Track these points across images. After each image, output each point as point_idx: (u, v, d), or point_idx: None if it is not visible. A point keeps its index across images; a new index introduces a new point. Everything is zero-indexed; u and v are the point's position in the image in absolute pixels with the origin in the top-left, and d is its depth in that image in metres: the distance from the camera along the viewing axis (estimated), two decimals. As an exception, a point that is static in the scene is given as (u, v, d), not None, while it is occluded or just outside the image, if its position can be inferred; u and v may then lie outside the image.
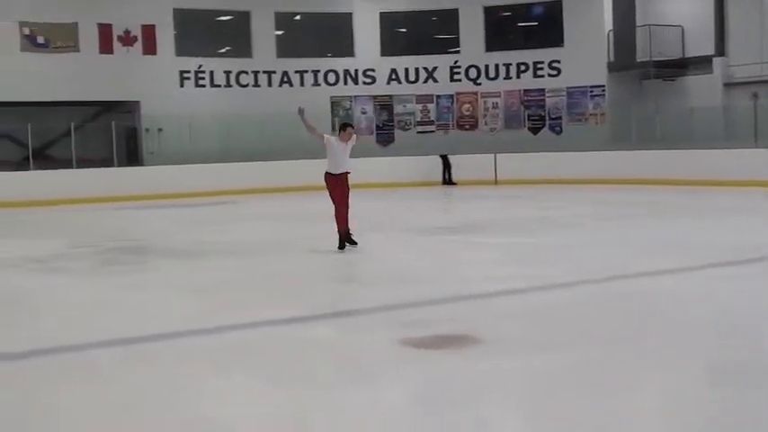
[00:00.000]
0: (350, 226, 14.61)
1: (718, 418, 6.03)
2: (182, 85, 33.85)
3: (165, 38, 33.50)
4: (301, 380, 7.07)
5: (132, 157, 32.90)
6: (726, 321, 8.97)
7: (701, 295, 10.43)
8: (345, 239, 14.50)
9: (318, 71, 35.72)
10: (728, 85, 33.20)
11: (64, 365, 7.93)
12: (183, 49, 33.85)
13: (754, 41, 32.53)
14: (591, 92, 34.60)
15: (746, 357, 7.48)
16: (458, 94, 35.99)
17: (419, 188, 30.64)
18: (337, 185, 14.54)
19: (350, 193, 14.67)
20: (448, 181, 32.49)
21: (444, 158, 32.63)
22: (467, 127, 35.85)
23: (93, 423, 6.21)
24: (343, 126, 14.99)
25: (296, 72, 35.43)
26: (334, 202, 14.54)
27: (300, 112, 14.70)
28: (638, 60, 34.58)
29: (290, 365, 7.56)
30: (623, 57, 34.71)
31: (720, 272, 11.98)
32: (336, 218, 14.48)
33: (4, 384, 7.32)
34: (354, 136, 14.88)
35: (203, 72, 34.28)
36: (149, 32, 33.13)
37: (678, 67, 34.58)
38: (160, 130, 32.31)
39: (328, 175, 14.59)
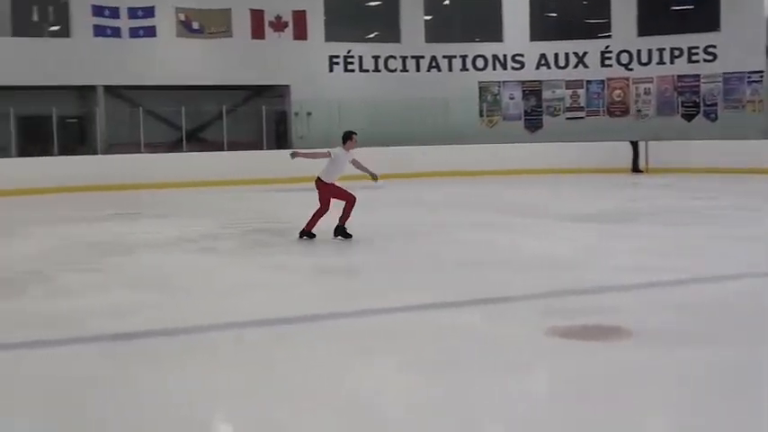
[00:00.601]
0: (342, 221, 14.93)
1: None
2: (331, 70, 34.16)
3: (316, 23, 33.83)
4: (442, 365, 7.04)
5: (281, 140, 33.39)
6: None
7: None
8: (341, 232, 14.87)
9: (467, 56, 35.59)
10: None
11: (210, 344, 8.07)
12: (332, 35, 34.15)
13: None
14: (748, 78, 33.58)
15: None
16: (609, 79, 35.40)
17: (570, 175, 30.21)
18: (329, 191, 14.88)
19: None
20: (635, 168, 31.51)
21: (634, 145, 31.71)
22: (617, 113, 35.24)
23: (237, 402, 6.29)
24: (349, 135, 15.14)
25: (444, 57, 35.37)
26: (322, 204, 14.84)
27: (292, 156, 15.20)
28: (800, 45, 33.39)
29: (432, 351, 7.53)
30: (783, 41, 33.55)
31: None
32: (316, 216, 14.88)
33: (156, 361, 7.47)
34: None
35: (352, 57, 34.53)
36: (300, 18, 33.49)
37: None
38: (309, 114, 32.69)
39: (321, 182, 14.80)
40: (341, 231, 14.75)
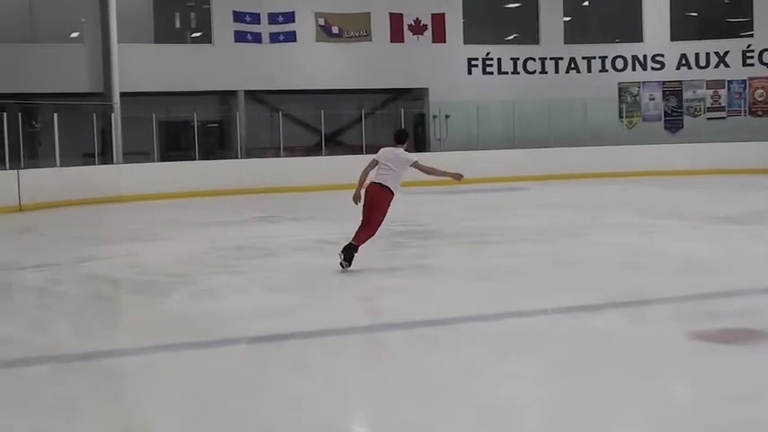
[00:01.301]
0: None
1: None
2: (469, 73, 34.31)
3: (454, 26, 34.04)
4: (582, 369, 7.06)
5: (420, 142, 33.62)
6: None
7: None
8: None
9: (606, 57, 35.35)
10: None
11: (349, 346, 8.27)
12: (471, 37, 34.30)
13: None
14: None
15: None
16: (750, 79, 34.72)
17: (714, 176, 29.67)
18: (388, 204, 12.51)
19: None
20: None
21: None
22: (759, 113, 34.55)
23: (377, 404, 6.44)
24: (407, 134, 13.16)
25: (583, 58, 35.20)
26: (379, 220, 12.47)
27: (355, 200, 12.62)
28: None
29: (572, 354, 7.55)
30: None
31: None
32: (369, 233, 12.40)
33: (296, 361, 7.64)
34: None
35: (491, 59, 34.61)
36: (439, 21, 33.75)
37: None
38: (447, 116, 32.87)
39: (387, 191, 12.37)
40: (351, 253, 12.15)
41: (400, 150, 12.42)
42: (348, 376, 7.17)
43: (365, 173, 12.47)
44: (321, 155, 31.09)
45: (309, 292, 10.89)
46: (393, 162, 12.23)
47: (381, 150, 12.55)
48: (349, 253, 12.01)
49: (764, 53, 34.59)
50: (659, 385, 6.69)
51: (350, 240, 12.19)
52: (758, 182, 27.03)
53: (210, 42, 32.15)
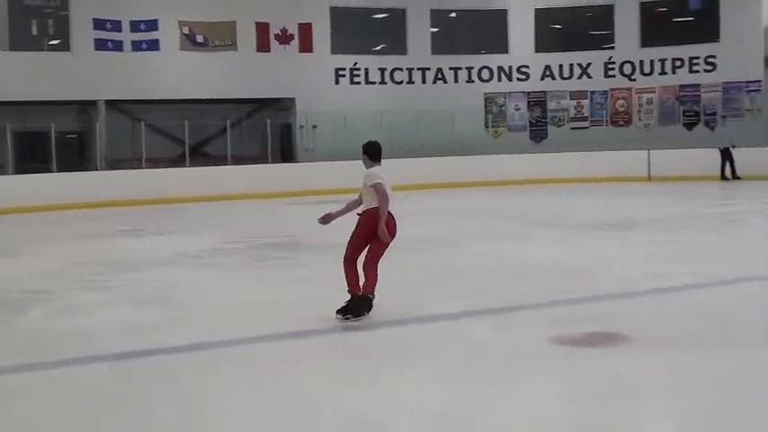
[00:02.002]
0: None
1: None
2: (337, 83, 34.21)
3: (322, 36, 33.89)
4: (451, 374, 7.12)
5: (287, 153, 33.39)
6: None
7: None
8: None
9: (472, 68, 35.66)
10: None
11: (215, 361, 8.09)
12: (338, 47, 34.20)
13: None
14: (747, 87, 33.75)
15: None
16: (612, 90, 35.49)
17: (577, 184, 30.15)
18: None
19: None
20: (732, 175, 30.03)
21: (726, 152, 30.21)
22: (620, 123, 35.32)
23: (246, 417, 6.33)
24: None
25: (450, 69, 35.43)
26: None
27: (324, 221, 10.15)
28: (797, 55, 33.57)
29: (442, 360, 7.61)
30: (779, 50, 33.71)
31: None
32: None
33: (161, 379, 7.49)
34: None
35: (358, 69, 34.57)
36: (306, 31, 33.57)
37: None
38: (315, 126, 32.67)
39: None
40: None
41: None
42: (217, 390, 7.02)
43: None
44: (185, 166, 30.53)
45: (175, 307, 10.66)
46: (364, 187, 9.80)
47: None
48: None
49: (625, 65, 35.36)
50: (523, 388, 6.80)
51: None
52: (622, 189, 27.55)
53: (69, 50, 31.29)
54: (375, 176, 9.76)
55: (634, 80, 35.35)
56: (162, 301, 11.01)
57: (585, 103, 35.61)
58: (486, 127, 35.40)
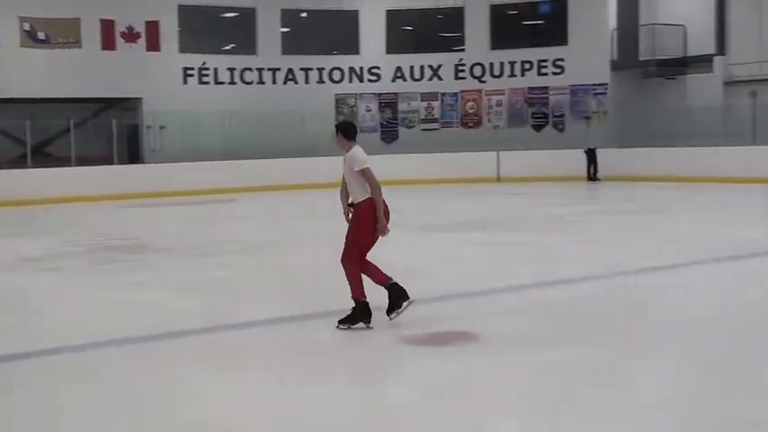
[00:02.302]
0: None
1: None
2: (185, 82, 33.62)
3: (169, 34, 33.27)
4: (300, 379, 7.01)
5: (133, 154, 32.71)
6: (728, 315, 9.08)
7: (704, 289, 10.68)
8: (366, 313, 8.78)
9: (323, 69, 35.51)
10: (728, 84, 33.33)
11: (59, 366, 7.86)
12: (186, 46, 33.64)
13: (754, 40, 32.85)
14: (594, 90, 34.45)
15: (740, 350, 7.64)
16: (462, 91, 35.80)
17: (428, 185, 30.28)
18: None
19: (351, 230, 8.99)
20: (593, 176, 30.84)
21: (591, 153, 31.01)
22: (470, 125, 35.67)
23: (84, 425, 6.14)
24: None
25: (301, 69, 35.20)
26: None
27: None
28: (641, 59, 34.46)
29: (286, 365, 7.52)
30: (626, 55, 34.57)
31: (722, 266, 12.32)
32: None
33: (3, 387, 7.22)
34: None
35: (207, 69, 34.06)
36: (153, 29, 32.90)
37: (679, 66, 34.51)
38: (162, 127, 32.04)
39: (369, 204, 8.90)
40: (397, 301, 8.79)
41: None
42: (59, 396, 6.83)
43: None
44: (27, 167, 29.52)
45: (15, 312, 10.33)
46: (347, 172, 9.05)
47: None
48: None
49: (475, 67, 35.68)
50: (370, 390, 6.93)
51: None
52: (471, 190, 27.73)
53: None
54: (360, 160, 8.89)
55: (484, 82, 35.71)
56: (5, 307, 10.66)
57: (436, 104, 35.83)
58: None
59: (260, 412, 6.27)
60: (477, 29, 35.76)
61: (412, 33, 37.05)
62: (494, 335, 8.32)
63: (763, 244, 14.10)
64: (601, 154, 30.64)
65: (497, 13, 35.78)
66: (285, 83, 35.05)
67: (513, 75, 35.42)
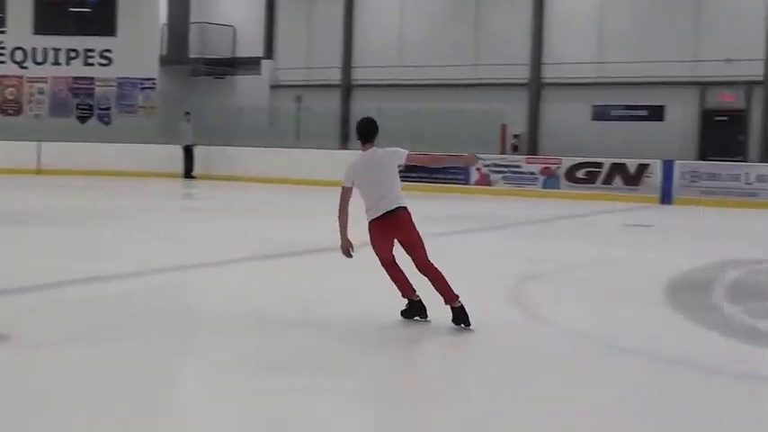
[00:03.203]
0: None
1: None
2: None
3: None
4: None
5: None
6: (267, 310, 9.18)
7: (244, 285, 10.87)
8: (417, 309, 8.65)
9: None
10: (275, 87, 34.52)
11: None
12: None
13: (301, 47, 34.11)
14: (142, 84, 34.29)
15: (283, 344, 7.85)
16: (2, 77, 34.22)
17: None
18: (385, 232, 8.41)
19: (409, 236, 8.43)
20: (187, 173, 30.03)
21: (188, 150, 30.10)
22: (10, 112, 34.18)
23: None
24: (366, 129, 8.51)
25: None
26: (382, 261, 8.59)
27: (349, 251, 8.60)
28: (191, 56, 34.77)
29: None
30: (176, 51, 34.92)
31: (260, 264, 12.51)
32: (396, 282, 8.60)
33: None
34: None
35: None
36: None
37: (229, 66, 35.26)
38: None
39: (371, 225, 8.41)
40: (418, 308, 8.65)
41: (381, 150, 8.46)
42: None
43: (345, 212, 8.50)
44: None
45: None
46: (386, 169, 8.42)
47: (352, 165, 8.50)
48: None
49: (17, 51, 34.18)
50: None
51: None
52: (9, 182, 26.43)
53: None
54: (399, 154, 8.47)
55: (26, 68, 34.37)
56: None
57: (-28, 88, 34.01)
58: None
59: None
60: (19, 11, 34.39)
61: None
62: (22, 335, 7.79)
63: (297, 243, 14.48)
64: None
65: (42, -3, 34.54)
66: None
67: (57, 63, 34.33)
